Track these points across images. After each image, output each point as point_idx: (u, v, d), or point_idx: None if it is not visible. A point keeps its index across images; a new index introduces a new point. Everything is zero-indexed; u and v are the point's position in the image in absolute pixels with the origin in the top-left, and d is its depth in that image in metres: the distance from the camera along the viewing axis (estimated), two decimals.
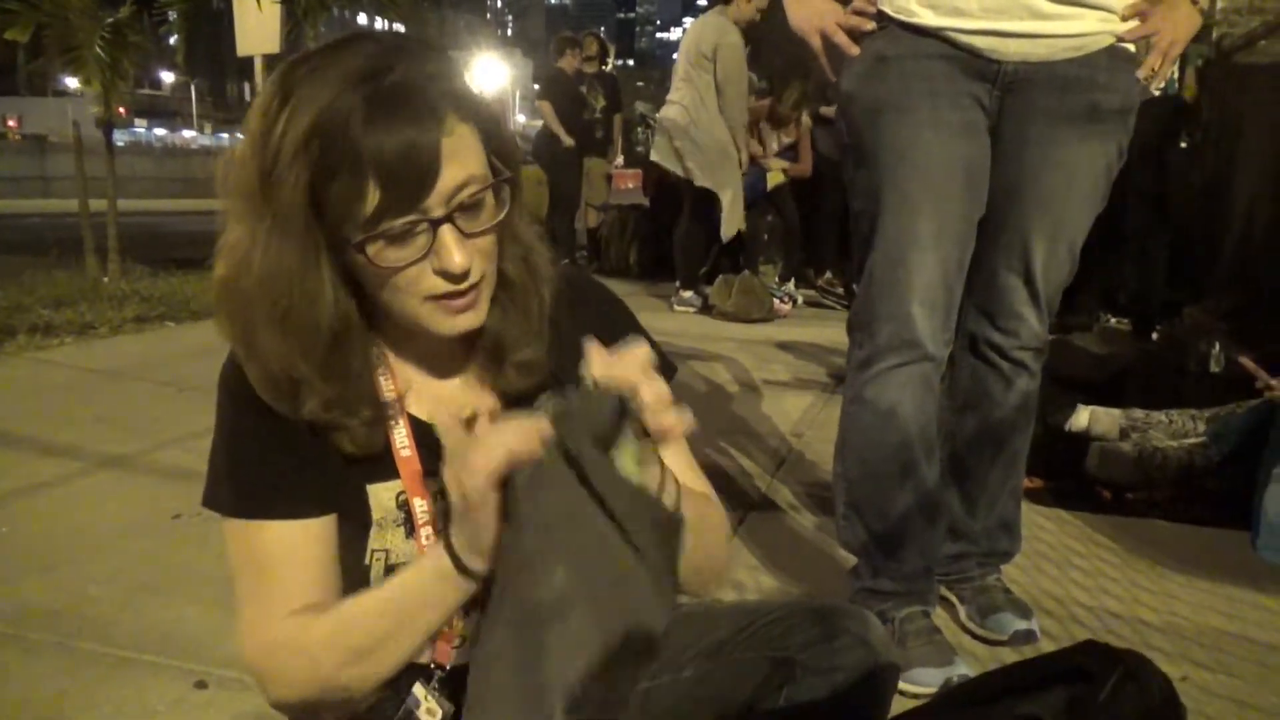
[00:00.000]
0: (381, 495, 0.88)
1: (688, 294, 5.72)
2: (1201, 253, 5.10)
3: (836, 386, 3.67)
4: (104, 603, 1.82)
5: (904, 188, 1.47)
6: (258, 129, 0.77)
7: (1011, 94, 1.46)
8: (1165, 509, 2.33)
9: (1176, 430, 2.58)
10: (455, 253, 0.77)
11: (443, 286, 0.79)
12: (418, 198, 0.75)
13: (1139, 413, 2.70)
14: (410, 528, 0.88)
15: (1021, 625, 1.65)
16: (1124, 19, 1.44)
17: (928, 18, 1.44)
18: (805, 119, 6.20)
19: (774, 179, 6.00)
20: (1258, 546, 2.09)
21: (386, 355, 0.89)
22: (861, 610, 0.93)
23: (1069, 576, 1.98)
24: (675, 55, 5.80)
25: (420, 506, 0.87)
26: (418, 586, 0.80)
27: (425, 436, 0.88)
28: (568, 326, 0.91)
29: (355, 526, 0.87)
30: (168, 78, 47.68)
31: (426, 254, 0.77)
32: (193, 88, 50.75)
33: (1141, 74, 1.46)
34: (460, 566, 0.77)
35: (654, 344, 0.94)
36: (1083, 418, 2.74)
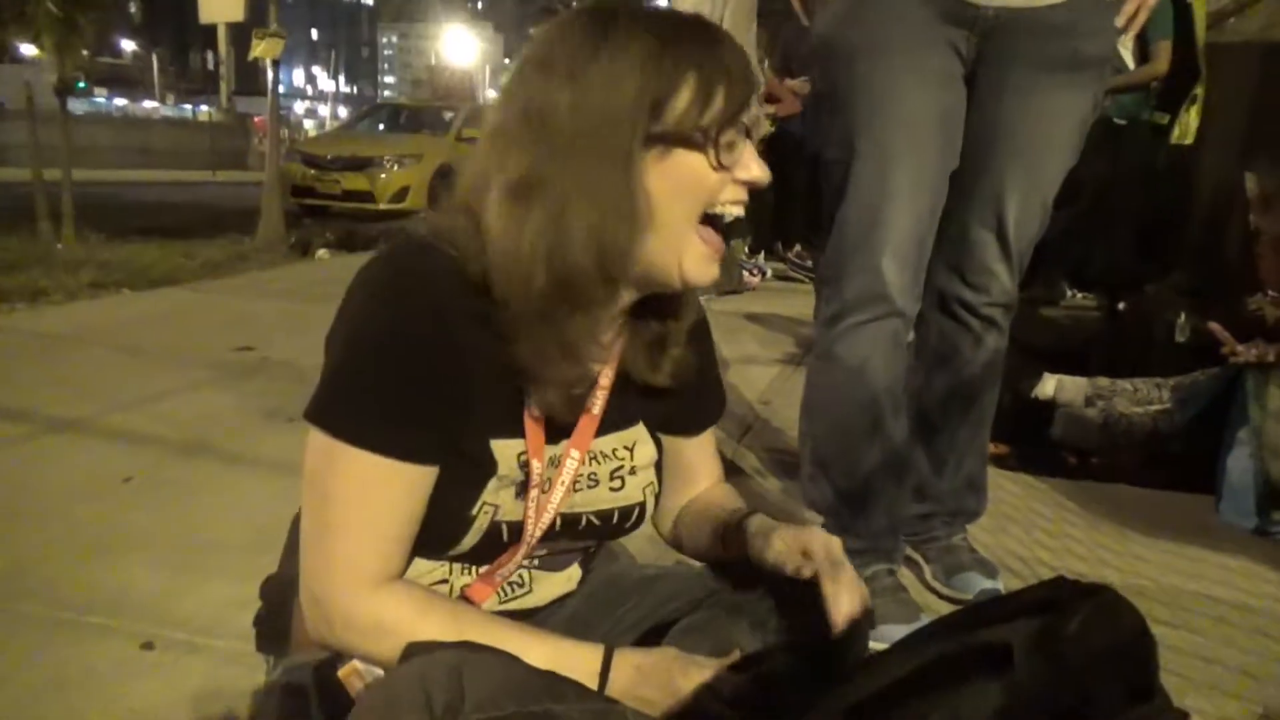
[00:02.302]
0: (505, 451, 0.85)
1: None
2: (1169, 230, 5.15)
3: (803, 356, 3.66)
4: (50, 565, 1.76)
5: (879, 137, 1.44)
6: (560, 58, 0.79)
7: (990, 40, 1.43)
8: (1129, 473, 2.35)
9: (1141, 397, 2.60)
10: (757, 162, 0.83)
11: (740, 195, 0.83)
12: (748, 102, 0.80)
13: (1104, 381, 2.71)
14: (523, 488, 0.86)
15: (987, 584, 1.64)
16: None
17: None
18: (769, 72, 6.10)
19: (763, 130, 5.90)
20: (1220, 510, 2.11)
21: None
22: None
23: (1034, 538, 1.98)
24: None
25: (537, 469, 0.86)
26: (553, 661, 0.77)
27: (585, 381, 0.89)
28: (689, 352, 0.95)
29: (473, 475, 0.84)
30: (129, 46, 46.57)
31: (738, 161, 0.81)
32: (155, 57, 49.63)
33: (1119, 21, 1.43)
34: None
35: (720, 378, 1.08)
36: (1049, 385, 2.75)
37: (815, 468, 1.60)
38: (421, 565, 0.88)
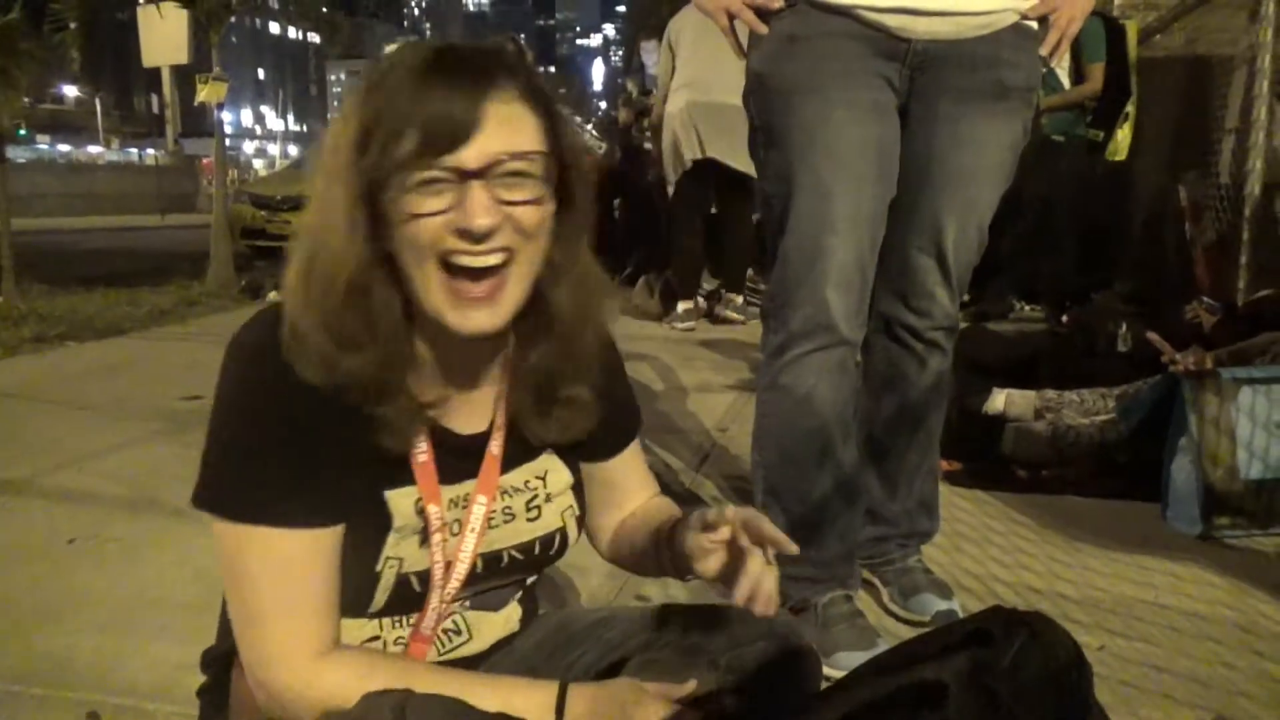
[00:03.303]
0: (400, 502, 0.84)
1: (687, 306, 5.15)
2: (1108, 241, 5.28)
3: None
4: None
5: (817, 170, 1.46)
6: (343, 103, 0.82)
7: (920, 73, 1.47)
8: (1078, 485, 2.38)
9: (1088, 408, 2.65)
10: (479, 209, 0.76)
11: (461, 245, 0.77)
12: (451, 146, 0.75)
13: (1052, 393, 2.76)
14: (425, 536, 0.85)
15: (943, 605, 1.65)
16: None
17: None
18: None
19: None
20: (1167, 517, 2.15)
21: (419, 362, 0.85)
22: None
23: (989, 555, 2.00)
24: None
25: (434, 513, 0.85)
26: (505, 703, 0.78)
27: (446, 441, 0.87)
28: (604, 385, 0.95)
29: (370, 532, 0.83)
30: (71, 92, 45.93)
31: (452, 207, 0.76)
32: (98, 101, 48.96)
33: (1043, 51, 1.48)
34: None
35: (631, 387, 1.07)
36: (998, 401, 2.80)
37: (768, 496, 1.60)
38: (350, 625, 0.86)
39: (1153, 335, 2.74)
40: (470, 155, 0.75)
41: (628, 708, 0.79)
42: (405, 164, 0.75)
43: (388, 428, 0.81)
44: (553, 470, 0.96)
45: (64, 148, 45.29)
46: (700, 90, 4.66)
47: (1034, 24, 1.50)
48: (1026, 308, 5.20)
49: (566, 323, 0.86)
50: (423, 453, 0.85)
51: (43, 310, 5.24)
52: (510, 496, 0.92)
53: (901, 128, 1.52)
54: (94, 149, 46.35)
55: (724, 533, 0.85)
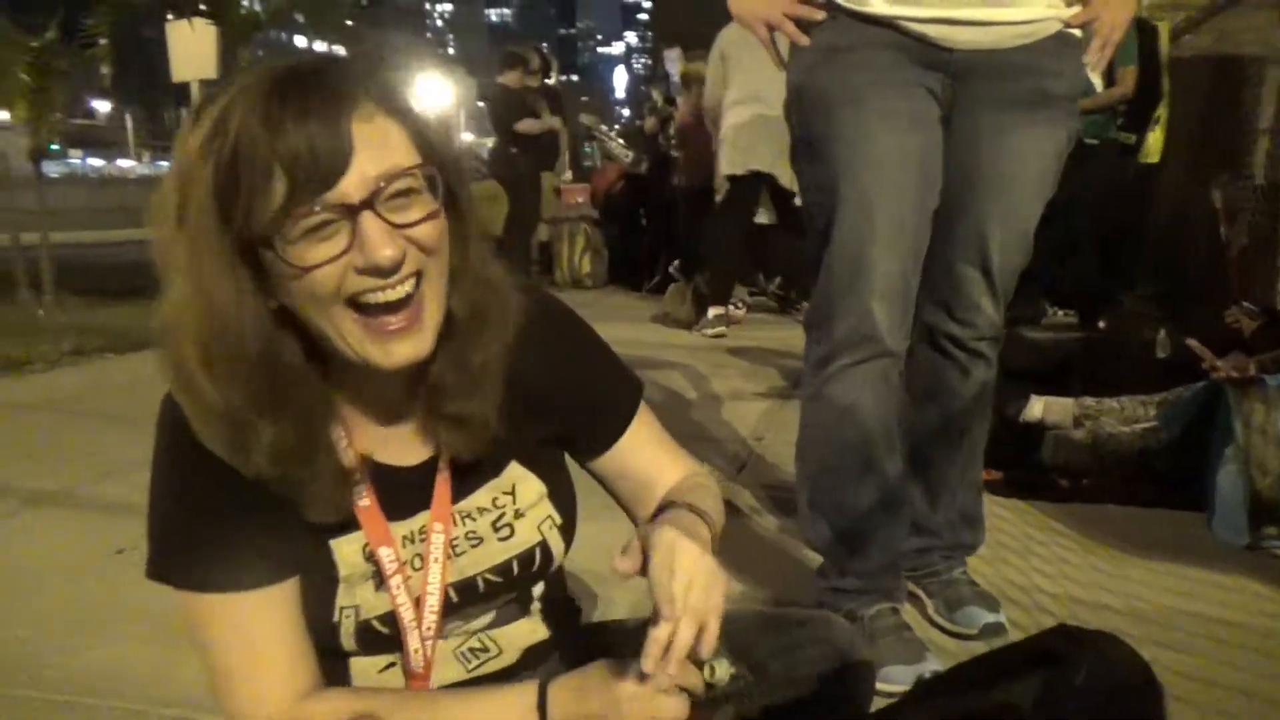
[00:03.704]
0: (345, 550, 0.83)
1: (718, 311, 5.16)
2: (1136, 244, 5.23)
3: (793, 390, 3.67)
4: (36, 644, 1.73)
5: (859, 181, 1.46)
6: (176, 151, 0.73)
7: (963, 83, 1.46)
8: (1120, 493, 2.35)
9: (1128, 415, 2.61)
10: (379, 241, 0.70)
11: (370, 285, 0.72)
12: (327, 183, 0.69)
13: (1090, 401, 2.73)
14: (380, 579, 0.84)
15: (990, 618, 1.64)
16: (1068, 4, 1.45)
17: (879, 6, 1.42)
18: None
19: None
20: (1213, 526, 2.12)
21: (343, 411, 0.83)
22: (824, 614, 0.92)
23: (1032, 565, 1.98)
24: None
25: (388, 556, 0.83)
26: (485, 713, 0.79)
27: (388, 478, 0.84)
28: (533, 375, 0.87)
29: (320, 583, 0.82)
30: (102, 107, 46.67)
31: (349, 248, 0.70)
32: (128, 116, 49.73)
33: (1087, 59, 1.48)
34: None
35: (619, 363, 0.97)
36: (1036, 408, 2.77)
37: (811, 509, 1.60)
38: (363, 661, 0.87)
39: (1193, 342, 2.71)
40: (350, 187, 0.70)
41: (610, 683, 0.77)
42: (280, 215, 0.69)
43: (315, 502, 0.78)
44: (521, 482, 0.91)
45: (96, 162, 46.02)
46: (770, 105, 4.61)
47: (1077, 32, 1.49)
48: (1059, 312, 5.15)
49: (460, 331, 0.81)
50: (364, 498, 0.83)
51: (81, 323, 5.33)
52: (474, 520, 0.88)
53: (945, 137, 1.51)
54: (124, 163, 47.08)
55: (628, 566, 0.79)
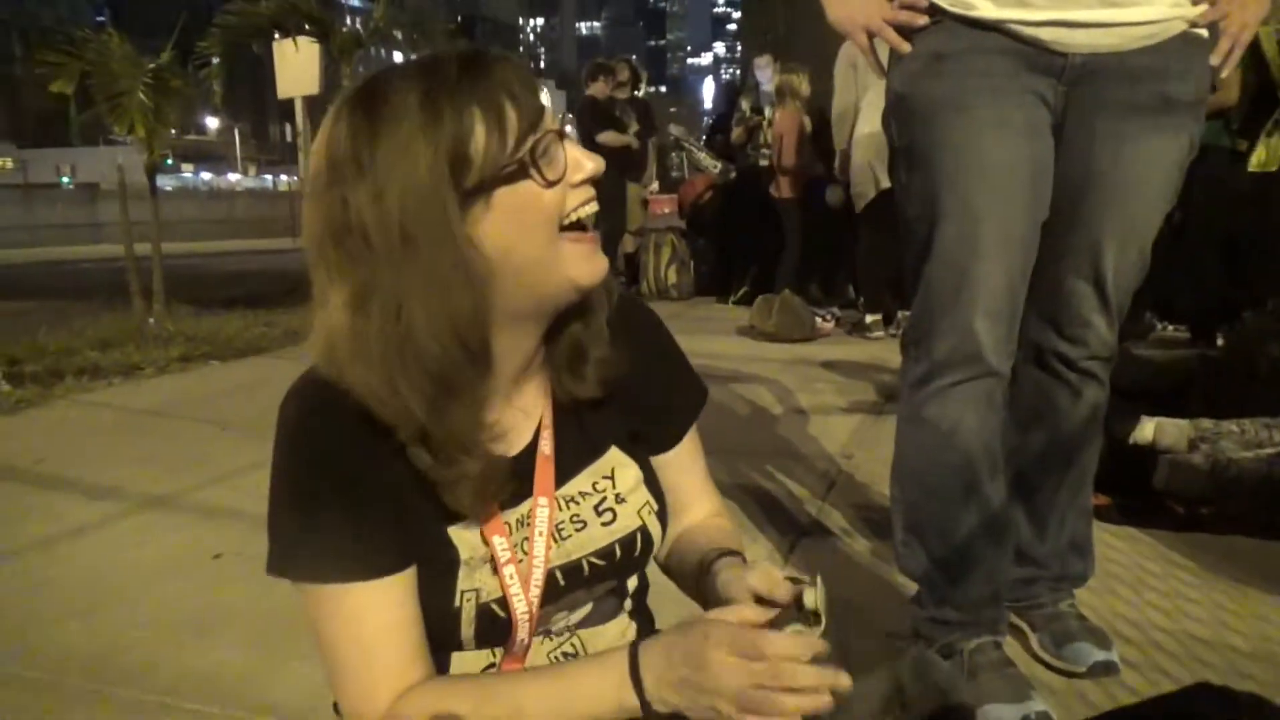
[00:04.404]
0: (465, 535, 0.84)
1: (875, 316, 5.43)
2: (1256, 254, 4.92)
3: (884, 405, 3.58)
4: (143, 647, 1.79)
5: (964, 192, 1.39)
6: (344, 156, 0.74)
7: (1078, 88, 1.38)
8: (1243, 523, 2.20)
9: (1250, 440, 2.44)
10: (585, 155, 0.79)
11: (577, 199, 0.78)
12: (541, 109, 0.76)
13: (1207, 423, 2.56)
14: (494, 565, 0.84)
15: (1100, 655, 1.54)
16: (1194, 2, 1.36)
17: (988, 10, 1.36)
18: None
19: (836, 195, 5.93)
20: None
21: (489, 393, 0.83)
22: (924, 656, 0.86)
23: (1145, 599, 1.86)
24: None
25: (500, 545, 0.84)
26: (577, 684, 0.77)
27: (497, 469, 0.83)
28: (620, 350, 0.89)
29: (440, 569, 0.83)
30: (212, 123, 48.95)
31: (564, 169, 0.77)
32: (236, 131, 52.05)
33: (1214, 60, 1.38)
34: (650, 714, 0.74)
35: (690, 367, 0.99)
36: (1148, 430, 2.61)
37: (909, 535, 1.53)
38: (467, 658, 0.87)
39: None
40: (548, 119, 0.77)
41: (700, 642, 0.74)
42: (521, 139, 0.75)
43: (470, 486, 0.79)
44: (620, 466, 0.92)
45: (206, 175, 48.30)
46: None
47: (1203, 32, 1.40)
48: (1168, 327, 4.89)
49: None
50: None
51: (189, 331, 5.56)
52: (577, 504, 0.89)
53: (1056, 145, 1.44)
54: (233, 176, 49.27)
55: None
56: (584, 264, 0.80)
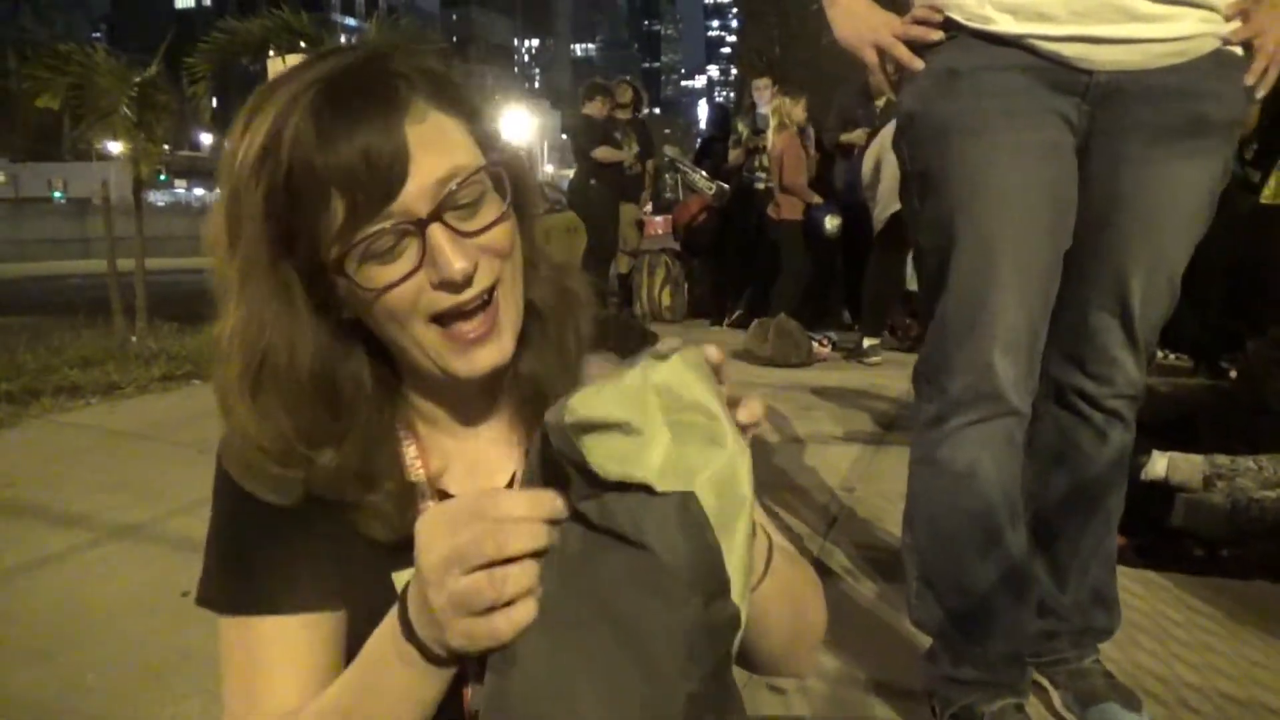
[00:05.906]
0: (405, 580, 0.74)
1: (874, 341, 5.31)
2: (1259, 282, 4.86)
3: (884, 435, 3.47)
4: (99, 694, 1.67)
5: (980, 220, 1.30)
6: (224, 170, 0.69)
7: (1103, 108, 1.29)
8: (1268, 567, 2.10)
9: (1269, 478, 2.35)
10: (450, 254, 0.66)
11: (446, 301, 0.67)
12: (389, 195, 0.64)
13: (1223, 458, 2.47)
14: None
15: (1130, 717, 1.43)
16: (1227, 18, 1.27)
17: (1007, 24, 1.27)
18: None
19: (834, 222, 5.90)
20: None
21: (416, 425, 0.78)
22: None
23: (1170, 651, 1.75)
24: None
25: None
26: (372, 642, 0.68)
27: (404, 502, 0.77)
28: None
29: (380, 614, 0.72)
30: (206, 139, 48.92)
31: (420, 264, 0.66)
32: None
33: (1249, 80, 1.28)
34: (431, 657, 0.63)
35: None
36: (1160, 466, 2.52)
37: (922, 585, 1.43)
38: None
39: None
40: (413, 198, 0.65)
41: (475, 498, 0.62)
42: (344, 237, 0.65)
43: (377, 517, 0.73)
44: None
45: (199, 191, 48.19)
46: None
47: (1238, 50, 1.31)
48: (1171, 355, 4.81)
49: (550, 320, 0.78)
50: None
51: (172, 349, 5.42)
52: None
53: (1079, 170, 1.34)
54: None
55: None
56: (456, 358, 0.70)
